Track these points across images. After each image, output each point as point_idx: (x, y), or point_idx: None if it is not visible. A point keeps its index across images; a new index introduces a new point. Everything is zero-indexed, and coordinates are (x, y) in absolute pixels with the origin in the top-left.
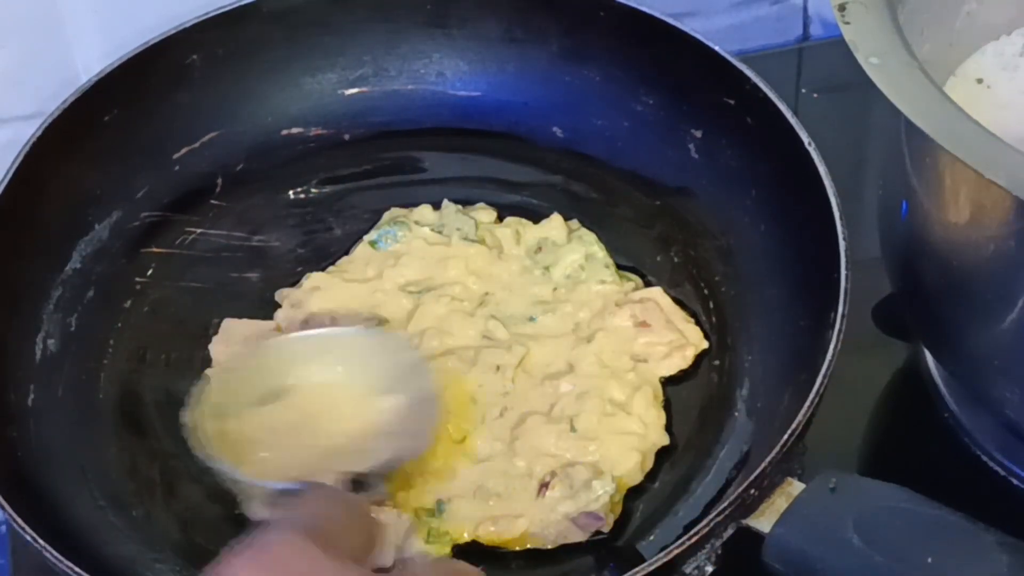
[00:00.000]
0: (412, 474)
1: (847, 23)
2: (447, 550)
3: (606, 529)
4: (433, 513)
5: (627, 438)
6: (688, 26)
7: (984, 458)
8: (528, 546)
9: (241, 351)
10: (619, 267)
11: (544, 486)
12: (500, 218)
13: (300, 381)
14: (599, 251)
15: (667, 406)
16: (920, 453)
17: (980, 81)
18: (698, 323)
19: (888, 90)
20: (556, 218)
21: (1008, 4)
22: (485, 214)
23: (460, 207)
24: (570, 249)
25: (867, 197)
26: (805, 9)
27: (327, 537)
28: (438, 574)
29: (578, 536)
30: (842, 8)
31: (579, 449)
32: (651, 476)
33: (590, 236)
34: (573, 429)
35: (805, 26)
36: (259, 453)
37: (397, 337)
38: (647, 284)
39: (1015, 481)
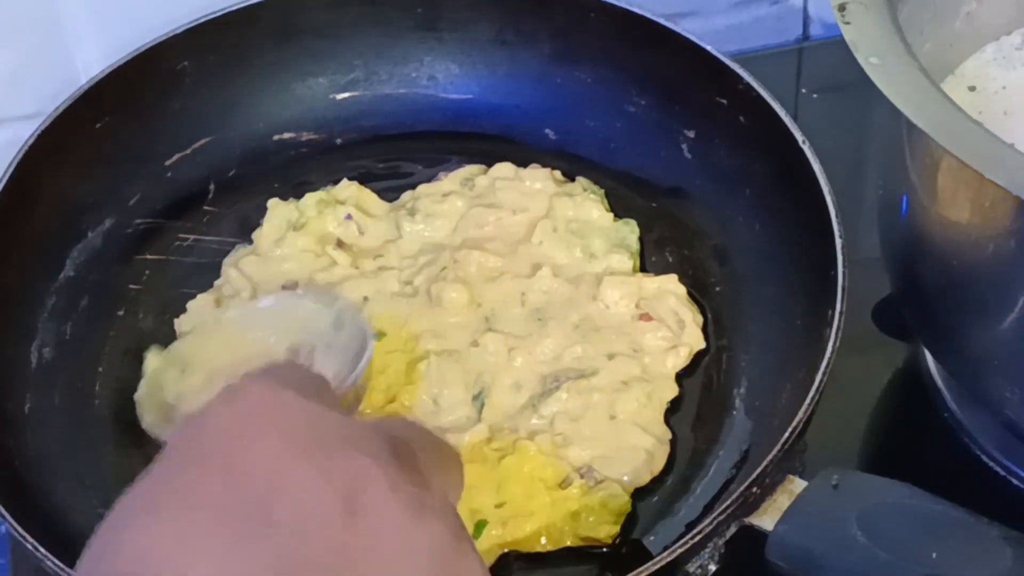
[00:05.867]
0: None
1: (847, 23)
2: None
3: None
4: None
5: (633, 438)
6: (686, 26)
7: (984, 458)
8: (531, 549)
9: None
10: None
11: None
12: None
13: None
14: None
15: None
16: (920, 453)
17: (973, 88)
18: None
19: (888, 90)
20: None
21: (1008, 4)
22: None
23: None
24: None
25: (867, 197)
26: (805, 9)
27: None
28: (420, 437)
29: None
30: (842, 8)
31: (586, 449)
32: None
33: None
34: (577, 428)
35: (805, 26)
36: None
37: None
38: None
39: (1015, 481)
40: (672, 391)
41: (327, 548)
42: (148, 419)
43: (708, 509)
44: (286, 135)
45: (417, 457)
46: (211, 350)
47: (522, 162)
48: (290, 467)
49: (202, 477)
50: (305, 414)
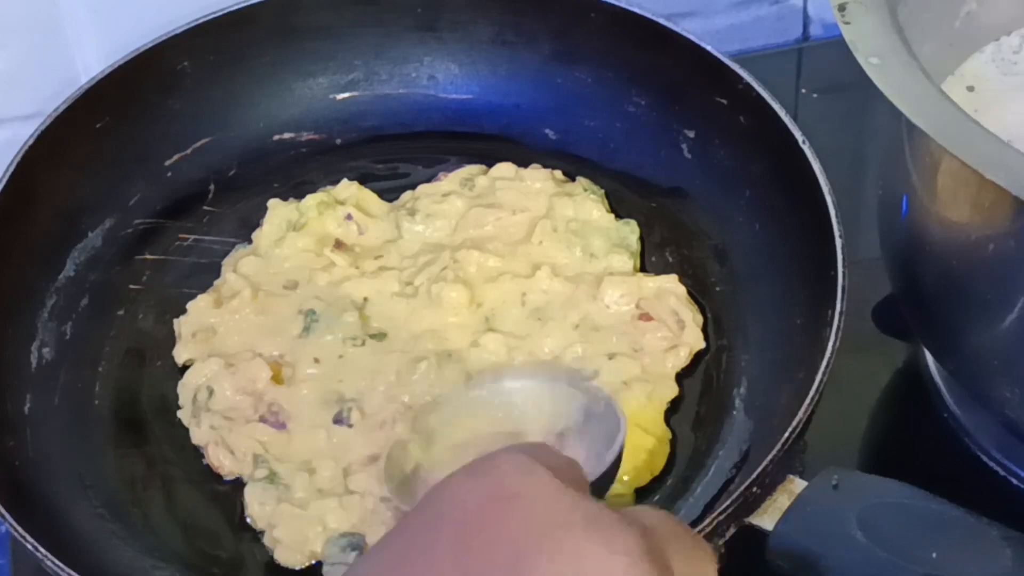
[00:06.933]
0: None
1: (847, 23)
2: None
3: None
4: None
5: (633, 438)
6: (686, 26)
7: (984, 458)
8: None
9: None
10: None
11: None
12: None
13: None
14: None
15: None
16: (920, 453)
17: (972, 89)
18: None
19: (888, 90)
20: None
21: (1008, 4)
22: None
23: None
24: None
25: (867, 197)
26: (805, 9)
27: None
28: (673, 530)
29: None
30: (842, 8)
31: None
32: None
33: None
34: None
35: (805, 26)
36: None
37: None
38: None
39: (1015, 481)
40: (672, 391)
41: None
42: (389, 485)
43: (708, 509)
44: (286, 135)
45: (669, 553)
46: (459, 425)
47: (522, 162)
48: (533, 554)
49: (437, 551)
50: (556, 497)
